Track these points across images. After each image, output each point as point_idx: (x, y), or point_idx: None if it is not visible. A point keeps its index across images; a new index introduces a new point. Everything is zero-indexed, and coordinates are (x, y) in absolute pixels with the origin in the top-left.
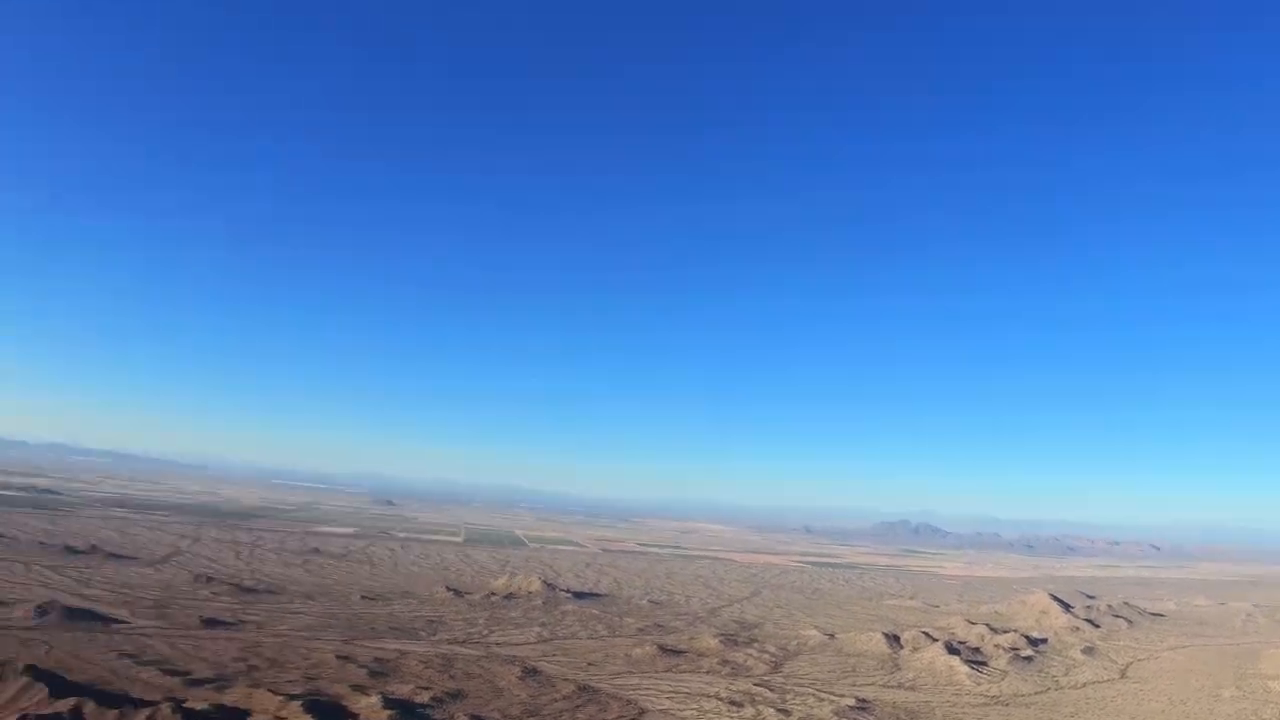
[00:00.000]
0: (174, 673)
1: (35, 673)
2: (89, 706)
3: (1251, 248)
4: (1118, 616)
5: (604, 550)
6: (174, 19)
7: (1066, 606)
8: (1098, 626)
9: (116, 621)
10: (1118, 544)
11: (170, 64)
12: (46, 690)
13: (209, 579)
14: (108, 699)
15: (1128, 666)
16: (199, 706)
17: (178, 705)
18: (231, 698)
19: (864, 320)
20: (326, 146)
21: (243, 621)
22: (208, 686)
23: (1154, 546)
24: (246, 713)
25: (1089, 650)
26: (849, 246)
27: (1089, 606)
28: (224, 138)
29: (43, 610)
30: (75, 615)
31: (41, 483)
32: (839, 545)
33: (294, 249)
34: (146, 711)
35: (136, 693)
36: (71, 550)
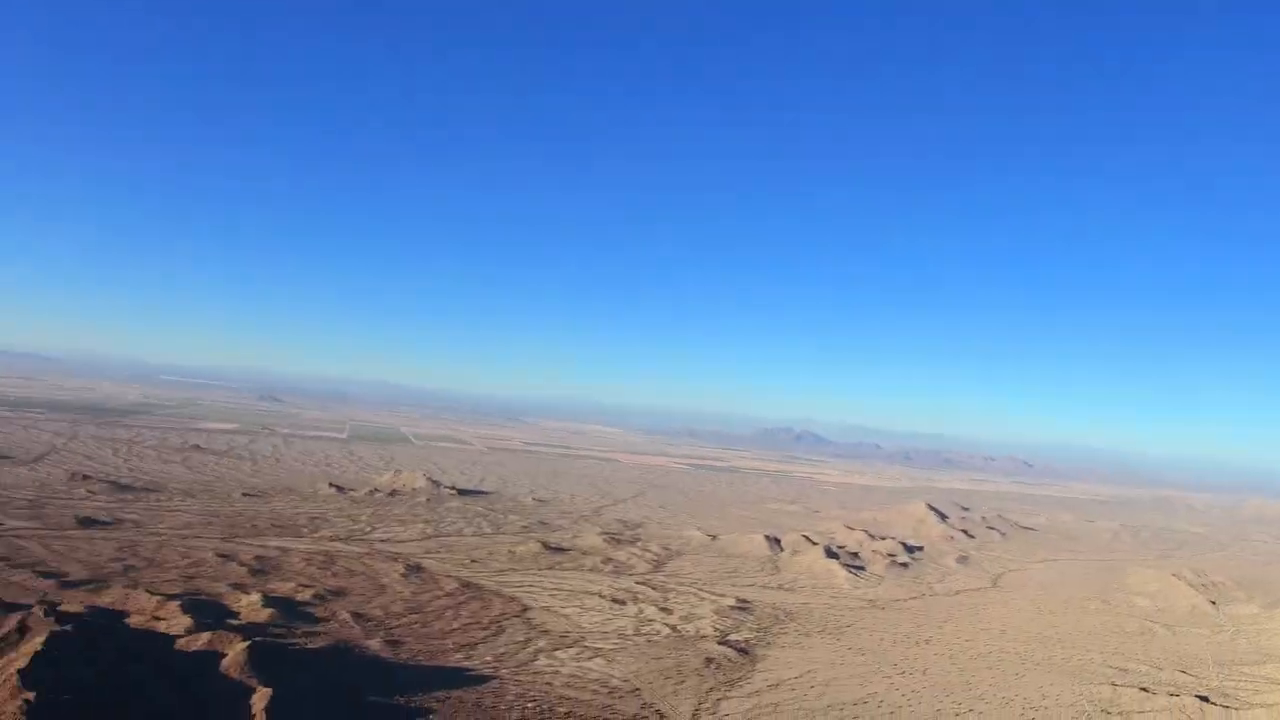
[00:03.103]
0: (48, 575)
1: None
2: None
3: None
4: (991, 528)
5: (490, 449)
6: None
7: (943, 517)
8: (972, 537)
9: None
10: (992, 460)
11: None
12: None
13: (85, 477)
14: None
15: (999, 576)
16: (73, 609)
17: (51, 608)
18: (108, 599)
19: (753, 231)
20: None
21: (120, 521)
22: (84, 588)
23: (1026, 463)
24: (123, 614)
25: (963, 559)
26: (740, 154)
27: (964, 518)
28: None
29: None
30: None
31: None
32: (722, 449)
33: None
34: (18, 616)
35: (9, 597)
36: None
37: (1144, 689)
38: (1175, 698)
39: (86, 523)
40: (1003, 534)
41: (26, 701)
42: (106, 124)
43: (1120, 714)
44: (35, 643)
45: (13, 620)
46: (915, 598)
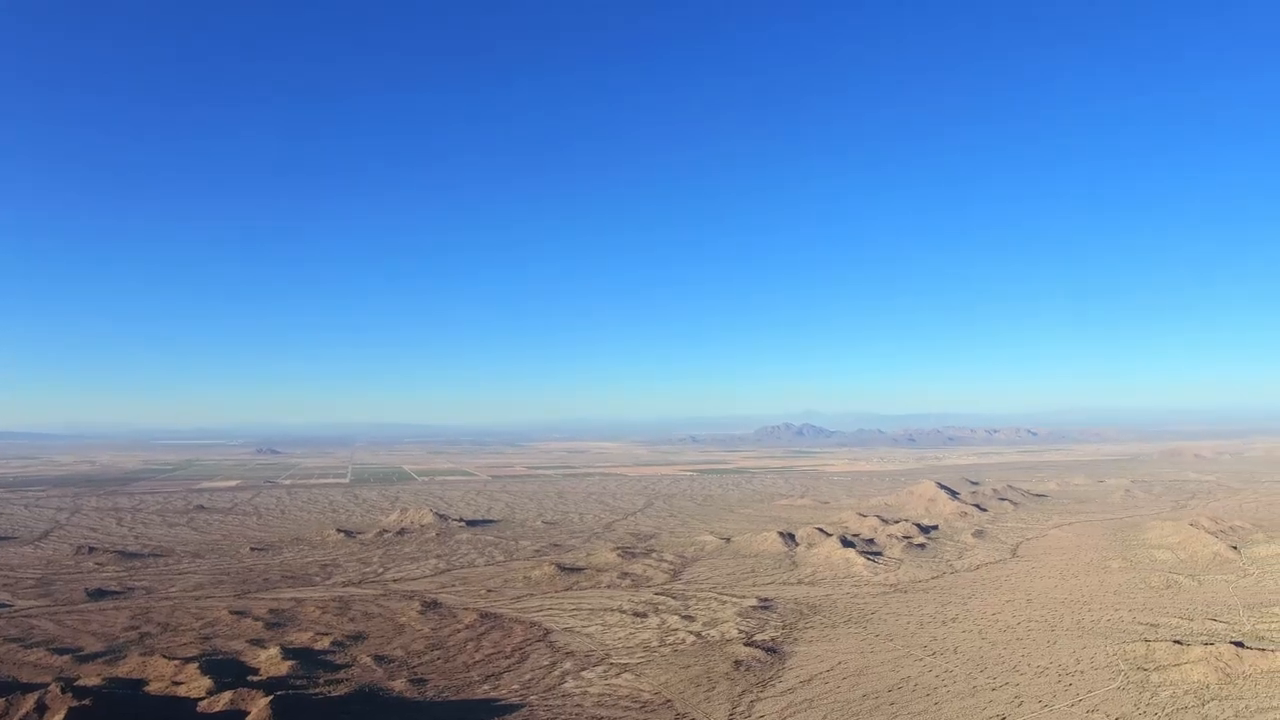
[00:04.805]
0: (63, 650)
1: None
2: None
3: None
4: (1003, 499)
5: (494, 477)
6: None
7: (953, 494)
8: (984, 510)
9: None
10: (996, 431)
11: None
12: None
13: (92, 549)
14: None
15: (1017, 546)
16: (91, 682)
17: (68, 684)
18: (125, 668)
19: (736, 231)
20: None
21: (130, 589)
22: (100, 660)
23: (1031, 432)
24: (142, 682)
25: (979, 533)
26: (729, 155)
27: (974, 492)
28: None
29: None
30: None
31: None
32: (726, 451)
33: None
34: (35, 695)
35: (25, 676)
36: None
37: (1178, 641)
38: (1210, 646)
39: (97, 594)
40: (1015, 504)
41: None
42: (80, 185)
43: (1157, 669)
44: None
45: (30, 700)
46: (936, 577)
